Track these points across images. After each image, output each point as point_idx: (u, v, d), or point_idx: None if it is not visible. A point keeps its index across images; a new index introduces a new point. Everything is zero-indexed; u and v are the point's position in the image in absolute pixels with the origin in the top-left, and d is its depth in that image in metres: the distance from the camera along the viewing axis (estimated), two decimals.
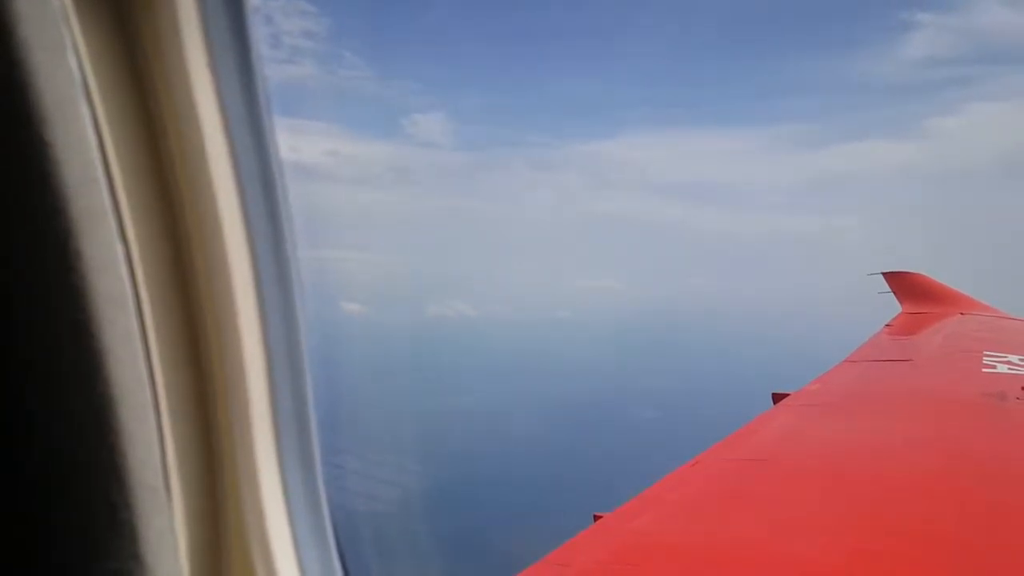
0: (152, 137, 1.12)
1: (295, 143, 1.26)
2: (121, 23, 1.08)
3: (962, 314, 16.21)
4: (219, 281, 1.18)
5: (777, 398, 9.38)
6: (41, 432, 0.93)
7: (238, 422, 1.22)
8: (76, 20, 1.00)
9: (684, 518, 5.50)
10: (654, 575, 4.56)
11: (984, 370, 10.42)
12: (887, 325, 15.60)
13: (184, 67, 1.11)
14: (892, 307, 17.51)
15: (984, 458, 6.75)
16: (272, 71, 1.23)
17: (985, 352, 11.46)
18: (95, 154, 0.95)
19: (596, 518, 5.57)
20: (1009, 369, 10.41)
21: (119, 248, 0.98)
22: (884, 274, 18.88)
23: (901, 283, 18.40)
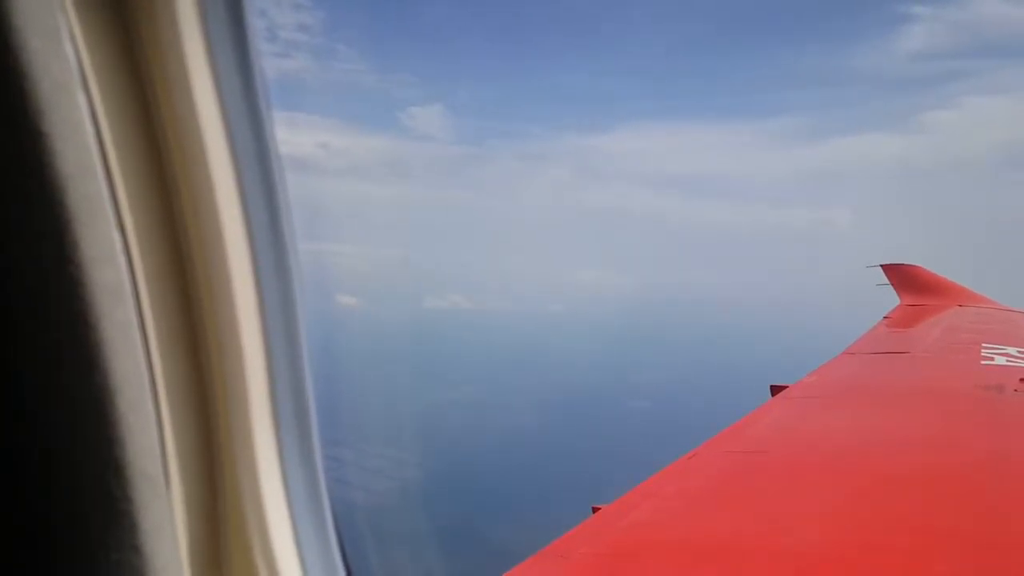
0: (150, 126, 1.11)
1: (289, 136, 1.25)
2: (118, 10, 1.07)
3: (960, 306, 16.24)
4: (217, 271, 1.18)
5: (775, 390, 9.40)
6: (40, 423, 0.92)
7: (237, 412, 1.22)
8: (72, 8, 0.99)
9: (682, 510, 5.51)
10: (652, 566, 4.57)
11: (982, 362, 10.44)
12: (885, 317, 15.62)
13: (182, 55, 1.10)
14: (890, 299, 17.55)
15: (982, 450, 6.77)
16: (267, 65, 1.23)
17: (983, 344, 11.49)
18: (92, 143, 0.94)
19: (595, 510, 5.58)
20: (1007, 361, 10.43)
21: (117, 238, 0.97)
22: (883, 266, 18.92)
23: (899, 275, 18.43)
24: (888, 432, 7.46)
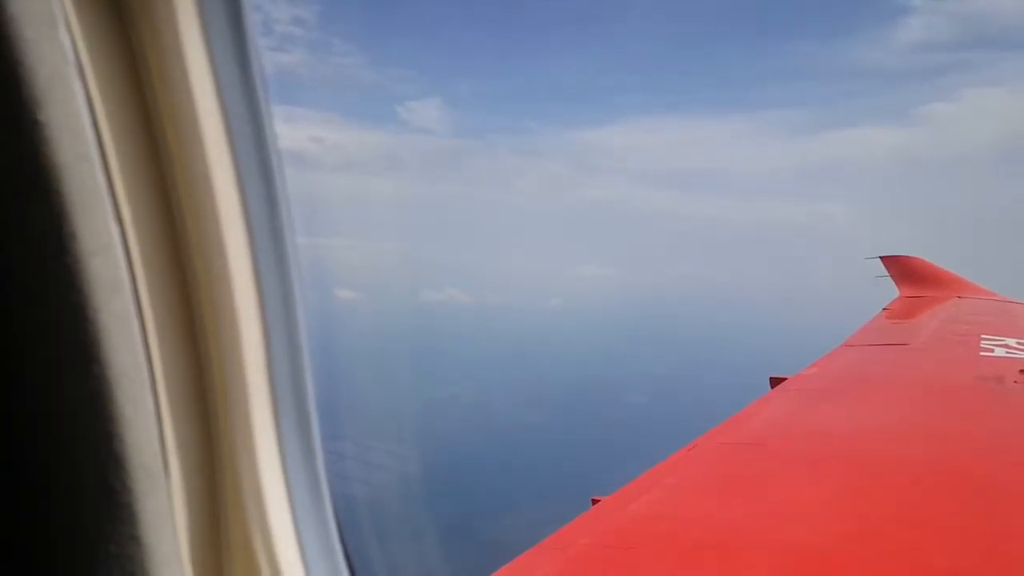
0: (147, 115, 1.10)
1: (284, 130, 1.25)
2: None
3: (960, 298, 16.25)
4: (216, 262, 1.17)
5: (775, 382, 9.40)
6: (38, 416, 0.92)
7: (236, 404, 1.21)
8: None
9: (682, 501, 5.52)
10: (652, 558, 4.57)
11: (982, 354, 10.45)
12: (885, 309, 15.63)
13: (179, 44, 1.09)
14: (890, 291, 17.56)
15: (982, 441, 6.78)
16: (263, 59, 1.22)
17: (983, 336, 11.50)
18: (89, 133, 0.94)
19: (594, 502, 5.59)
20: (1007, 352, 10.45)
21: (114, 229, 0.97)
22: (882, 258, 18.93)
23: (899, 267, 18.44)
24: (887, 423, 7.47)
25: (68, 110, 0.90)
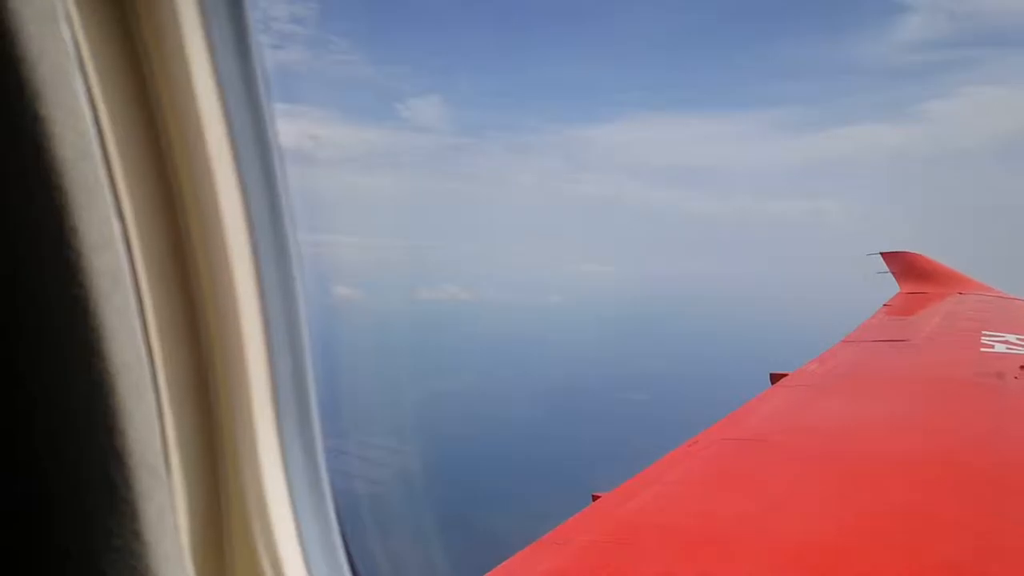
0: (148, 110, 1.10)
1: (282, 127, 1.25)
2: None
3: (960, 294, 16.24)
4: (217, 257, 1.17)
5: (775, 378, 9.40)
6: (40, 410, 0.92)
7: (238, 399, 1.21)
8: None
9: (682, 498, 5.52)
10: (652, 554, 4.58)
11: (982, 349, 10.45)
12: (886, 305, 15.63)
13: (179, 39, 1.09)
14: (891, 287, 17.55)
15: (982, 437, 6.78)
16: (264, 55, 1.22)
17: (983, 331, 11.50)
18: (90, 128, 0.93)
19: (594, 498, 5.59)
20: (1007, 348, 10.44)
21: (115, 224, 0.97)
22: (883, 254, 18.92)
23: (900, 263, 18.43)
24: (888, 419, 7.47)
25: (69, 105, 0.90)
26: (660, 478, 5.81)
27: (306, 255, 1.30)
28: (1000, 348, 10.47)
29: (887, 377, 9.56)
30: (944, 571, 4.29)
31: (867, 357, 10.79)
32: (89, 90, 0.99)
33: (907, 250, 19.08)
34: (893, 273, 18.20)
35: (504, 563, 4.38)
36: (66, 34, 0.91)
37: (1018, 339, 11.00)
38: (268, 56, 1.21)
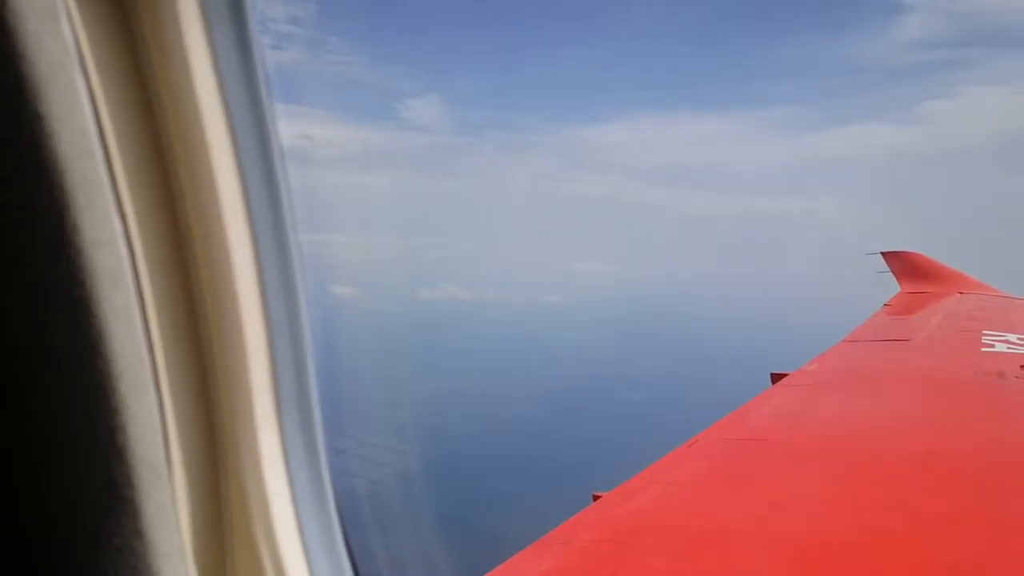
0: (148, 108, 1.10)
1: (280, 127, 1.25)
2: None
3: (961, 294, 16.24)
4: (218, 256, 1.17)
5: (776, 378, 9.40)
6: (41, 409, 0.91)
7: (239, 398, 1.21)
8: None
9: (683, 497, 5.52)
10: (653, 553, 4.58)
11: (983, 349, 10.45)
12: (886, 305, 15.62)
13: (180, 36, 1.09)
14: (891, 287, 17.54)
15: (983, 436, 6.78)
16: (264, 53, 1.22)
17: (984, 331, 11.50)
18: (91, 126, 0.93)
19: (595, 497, 5.59)
20: (1008, 348, 10.44)
21: (116, 223, 0.96)
22: (883, 254, 18.91)
23: (900, 263, 18.42)
24: (889, 419, 7.47)
25: (70, 103, 0.90)
26: (660, 478, 5.81)
27: (305, 254, 1.30)
28: (1001, 348, 10.47)
29: (888, 377, 9.56)
30: (945, 571, 4.29)
31: (868, 357, 10.80)
32: (90, 87, 0.99)
33: (907, 250, 19.09)
34: (894, 272, 18.19)
35: (505, 563, 4.38)
36: (66, 31, 0.91)
37: (1019, 339, 11.00)
38: (267, 56, 1.21)
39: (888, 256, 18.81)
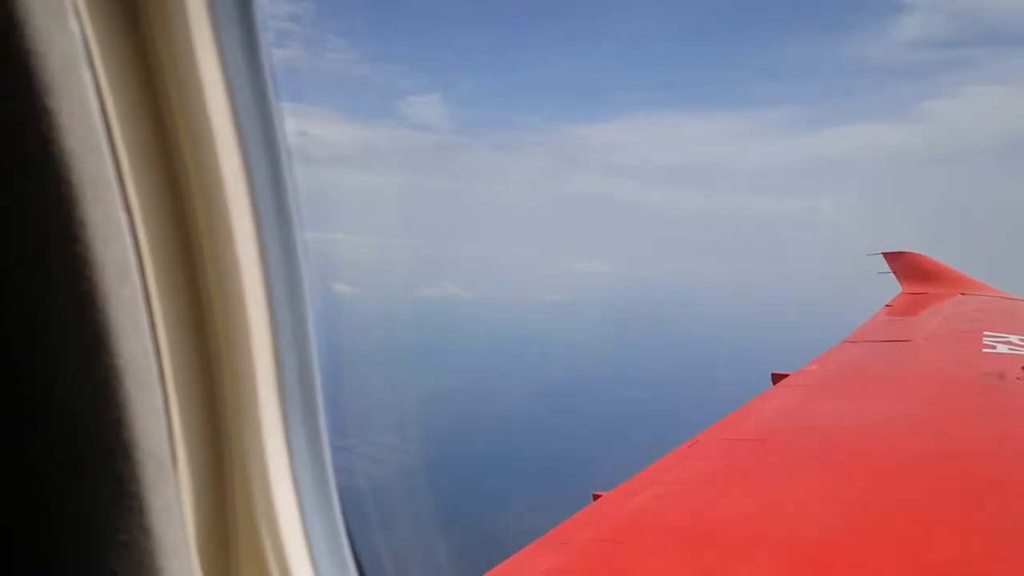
0: (156, 104, 1.10)
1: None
2: None
3: (963, 294, 16.22)
4: (224, 251, 1.17)
5: (777, 378, 9.39)
6: (47, 403, 0.92)
7: (244, 393, 1.21)
8: None
9: (684, 496, 5.52)
10: (653, 553, 4.58)
11: (984, 350, 10.44)
12: (887, 305, 15.60)
13: (187, 32, 1.09)
14: (892, 288, 17.53)
15: (984, 438, 6.77)
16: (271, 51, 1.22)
17: (985, 332, 11.48)
18: (98, 121, 0.93)
19: (595, 497, 5.59)
20: (1009, 349, 10.43)
21: (123, 218, 0.97)
22: (884, 254, 18.88)
23: (901, 263, 18.40)
24: (890, 420, 7.46)
25: (77, 99, 0.90)
26: (660, 478, 5.80)
27: (309, 252, 1.30)
28: (1002, 349, 10.45)
29: (889, 377, 9.55)
30: (945, 571, 4.28)
31: (869, 357, 10.79)
32: (97, 84, 0.99)
33: (908, 250, 19.07)
34: (895, 273, 18.16)
35: (505, 562, 4.38)
36: (74, 27, 0.91)
37: (1020, 340, 10.98)
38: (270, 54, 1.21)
39: (889, 256, 18.79)
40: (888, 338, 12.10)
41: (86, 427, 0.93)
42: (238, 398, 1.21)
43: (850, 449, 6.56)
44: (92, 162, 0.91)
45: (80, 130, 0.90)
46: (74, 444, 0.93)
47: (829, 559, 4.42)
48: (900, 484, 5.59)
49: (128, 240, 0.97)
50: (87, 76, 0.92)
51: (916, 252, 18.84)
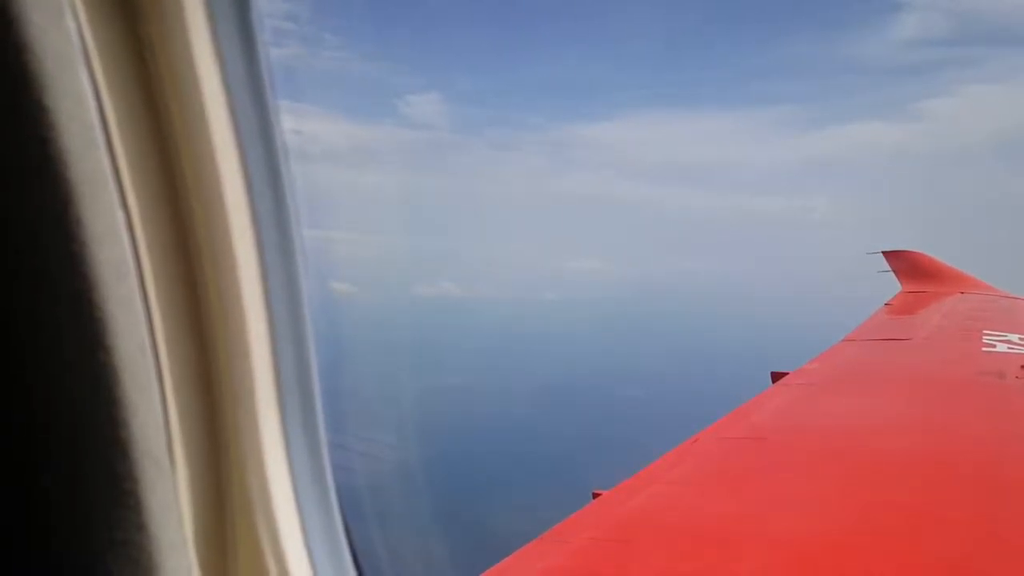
0: (153, 101, 1.10)
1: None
2: None
3: (962, 293, 16.23)
4: (222, 249, 1.17)
5: (776, 377, 9.40)
6: (43, 402, 0.91)
7: (242, 391, 1.21)
8: None
9: (684, 495, 5.53)
10: (652, 552, 4.58)
11: (984, 349, 10.45)
12: (887, 304, 15.62)
13: (185, 30, 1.09)
14: (892, 286, 17.54)
15: (983, 437, 6.78)
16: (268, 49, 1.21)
17: (985, 331, 11.49)
18: (95, 119, 0.93)
19: (595, 495, 5.60)
20: (1009, 348, 10.44)
21: (120, 216, 0.96)
22: (884, 253, 18.90)
23: (901, 262, 18.41)
24: (889, 418, 7.47)
25: (74, 96, 0.90)
26: (660, 477, 5.81)
27: (307, 250, 1.30)
28: (1002, 348, 10.46)
29: (888, 376, 9.56)
30: (944, 570, 4.29)
31: (868, 356, 10.80)
32: (94, 81, 0.99)
33: (907, 248, 19.08)
34: (894, 272, 18.18)
35: (504, 560, 4.38)
36: (71, 24, 0.91)
37: (1020, 339, 10.99)
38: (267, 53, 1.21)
39: (889, 255, 18.80)
40: (888, 337, 12.11)
41: (82, 425, 0.93)
42: (236, 396, 1.21)
43: (849, 448, 6.56)
44: (89, 160, 0.91)
45: (76, 128, 0.90)
46: (70, 442, 0.93)
47: (829, 557, 4.42)
48: (899, 483, 5.59)
49: (125, 238, 0.97)
50: (83, 74, 0.92)
51: (916, 251, 18.86)
